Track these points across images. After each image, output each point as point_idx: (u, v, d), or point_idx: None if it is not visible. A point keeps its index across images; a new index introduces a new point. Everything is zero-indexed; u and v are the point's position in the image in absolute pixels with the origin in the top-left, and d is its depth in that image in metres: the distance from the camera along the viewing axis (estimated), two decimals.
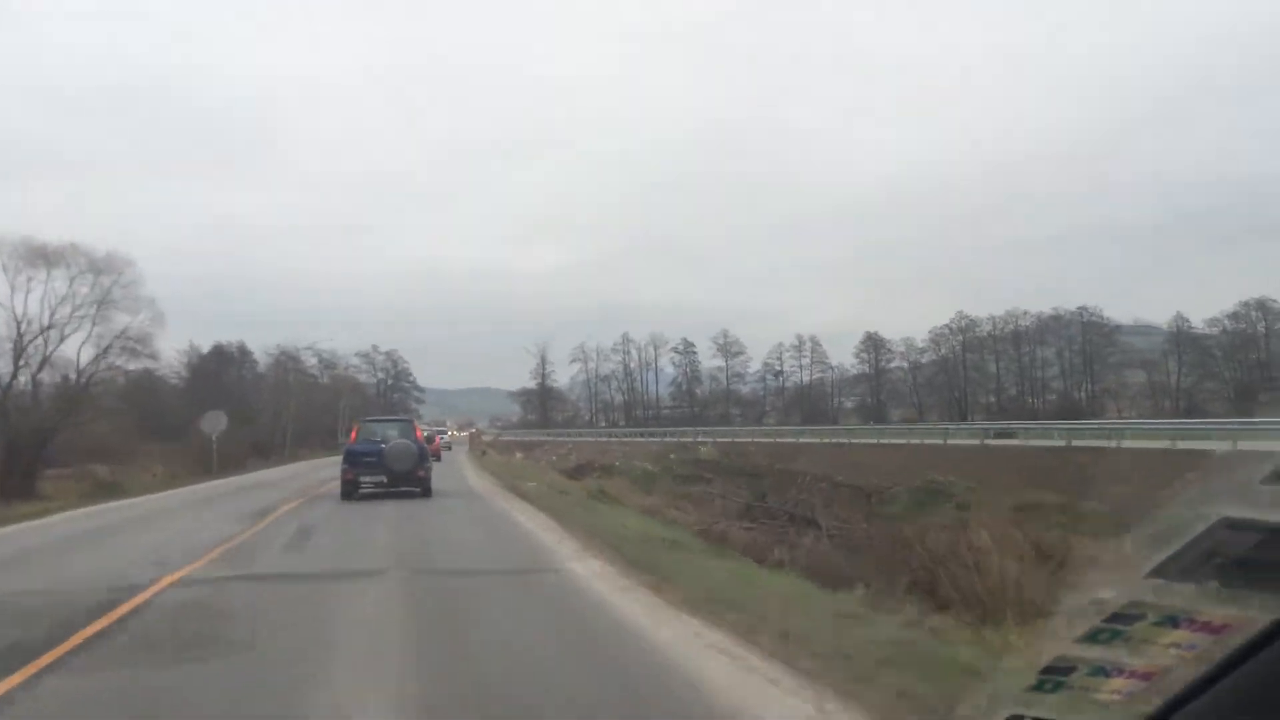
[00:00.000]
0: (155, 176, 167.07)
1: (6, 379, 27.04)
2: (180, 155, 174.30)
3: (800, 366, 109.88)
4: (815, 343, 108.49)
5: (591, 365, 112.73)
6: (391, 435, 22.10)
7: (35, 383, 27.36)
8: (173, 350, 58.97)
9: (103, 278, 28.70)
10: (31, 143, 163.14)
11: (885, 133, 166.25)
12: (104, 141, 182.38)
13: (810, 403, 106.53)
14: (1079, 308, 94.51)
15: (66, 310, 28.16)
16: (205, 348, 75.93)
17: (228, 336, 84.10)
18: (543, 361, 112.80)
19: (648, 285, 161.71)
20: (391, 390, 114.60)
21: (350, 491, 20.99)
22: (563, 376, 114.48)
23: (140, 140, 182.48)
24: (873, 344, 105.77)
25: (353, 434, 23.38)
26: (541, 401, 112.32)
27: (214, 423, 38.39)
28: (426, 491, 21.19)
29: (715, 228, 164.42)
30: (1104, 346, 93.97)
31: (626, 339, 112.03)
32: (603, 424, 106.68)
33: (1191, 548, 1.34)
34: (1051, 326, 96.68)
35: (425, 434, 26.52)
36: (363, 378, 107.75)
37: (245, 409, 58.96)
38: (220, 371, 76.69)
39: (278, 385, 62.17)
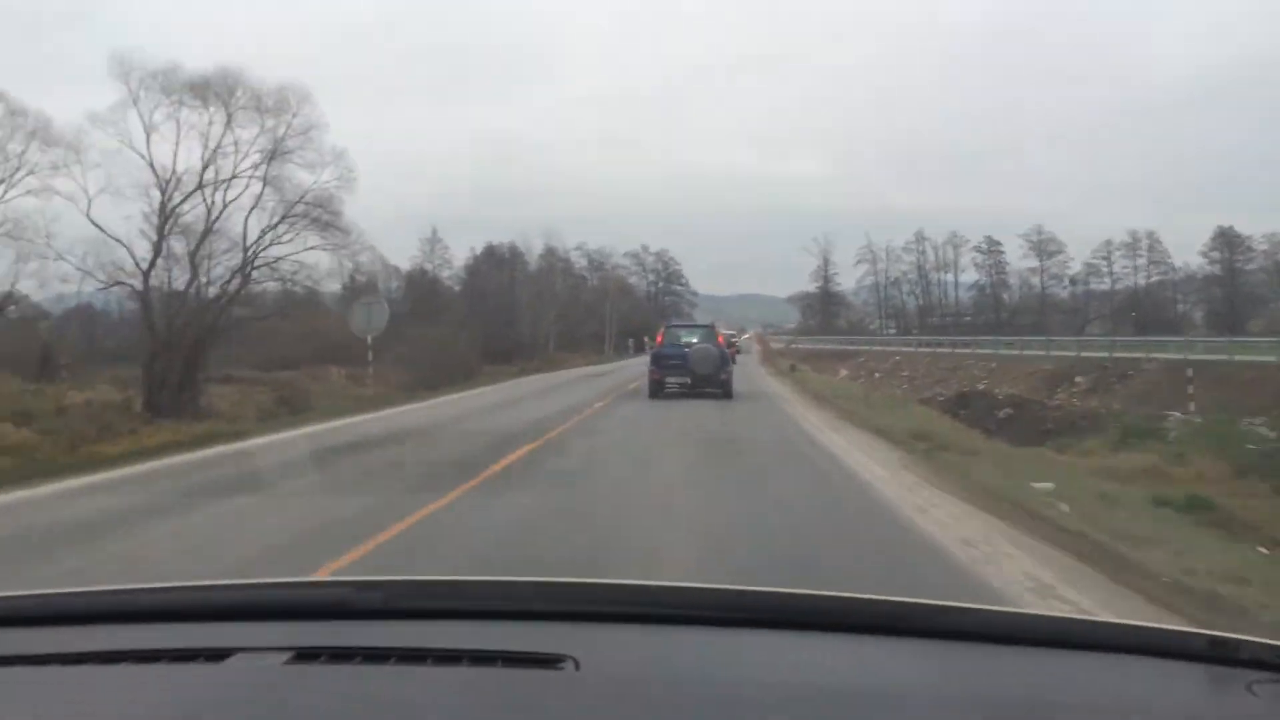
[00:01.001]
0: (437, 99, 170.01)
1: (151, 258, 20.11)
2: (461, 79, 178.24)
3: (1134, 268, 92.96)
4: (1154, 240, 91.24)
5: (880, 267, 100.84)
6: (695, 340, 23.33)
7: (194, 263, 20.35)
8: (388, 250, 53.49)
9: (269, 118, 21.10)
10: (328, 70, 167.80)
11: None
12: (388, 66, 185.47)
13: (1149, 310, 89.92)
14: None
15: (228, 165, 20.85)
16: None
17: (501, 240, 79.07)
18: (825, 263, 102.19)
19: (933, 192, 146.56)
20: (662, 294, 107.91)
21: (656, 391, 22.64)
22: (846, 280, 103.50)
23: (424, 65, 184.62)
24: (1225, 240, 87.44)
25: (658, 338, 24.94)
26: (823, 306, 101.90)
27: (368, 316, 24.08)
28: (728, 393, 22.30)
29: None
30: None
31: (920, 236, 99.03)
32: (891, 330, 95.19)
33: None
34: None
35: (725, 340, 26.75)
36: (632, 279, 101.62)
37: (508, 311, 53.30)
38: (492, 273, 72.47)
39: (541, 287, 55.50)
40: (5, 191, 26.80)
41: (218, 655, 1.47)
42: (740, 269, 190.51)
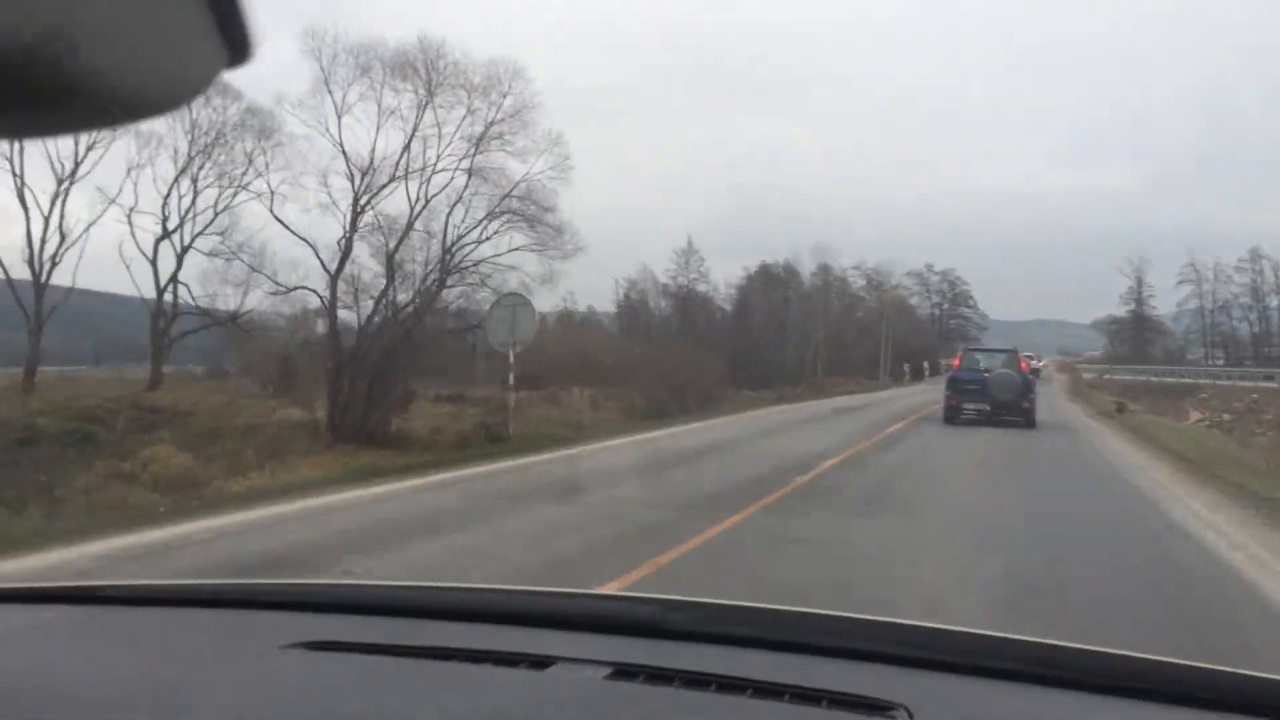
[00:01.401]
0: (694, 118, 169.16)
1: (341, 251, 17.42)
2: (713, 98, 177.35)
3: None
4: None
5: (1206, 288, 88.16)
6: (996, 364, 22.53)
7: (390, 265, 17.54)
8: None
9: (477, 98, 18.09)
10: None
11: None
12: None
13: None
14: None
15: (429, 153, 18.08)
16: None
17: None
18: (1139, 283, 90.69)
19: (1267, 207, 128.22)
20: (947, 316, 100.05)
21: (952, 416, 21.95)
22: (1162, 304, 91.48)
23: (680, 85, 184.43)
24: None
25: (955, 361, 24.93)
26: (1136, 332, 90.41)
27: (512, 323, 17.08)
28: (1030, 423, 21.19)
29: None
30: None
31: (1257, 254, 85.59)
32: (1219, 360, 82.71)
33: None
34: None
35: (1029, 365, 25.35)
36: (913, 300, 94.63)
37: (776, 332, 49.37)
38: (764, 292, 68.68)
39: (811, 306, 50.90)
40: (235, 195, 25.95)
41: (540, 663, 1.50)
42: (1034, 293, 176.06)
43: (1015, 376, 21.73)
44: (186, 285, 27.31)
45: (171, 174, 27.56)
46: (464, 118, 18.53)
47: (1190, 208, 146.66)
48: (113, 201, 27.27)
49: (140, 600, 1.92)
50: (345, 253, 17.77)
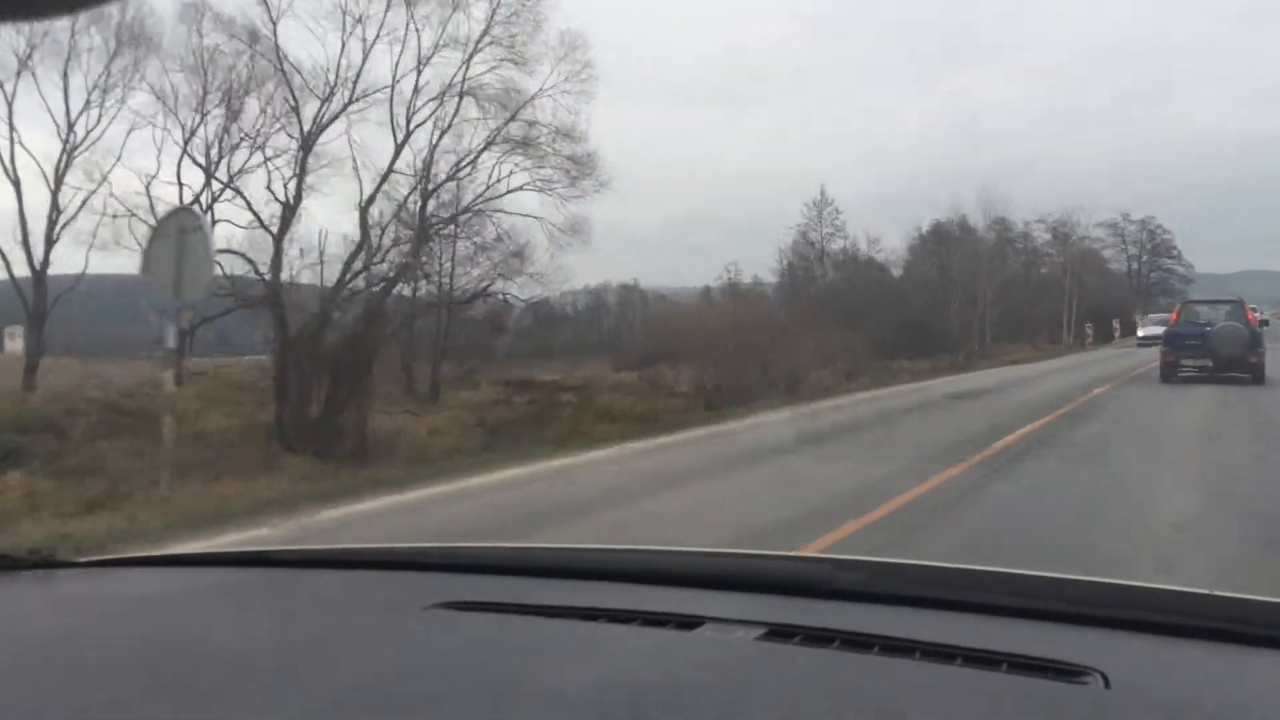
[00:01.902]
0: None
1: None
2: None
3: None
4: None
5: None
6: (1218, 317, 21.23)
7: (363, 219, 12.86)
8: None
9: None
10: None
11: None
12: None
13: None
14: None
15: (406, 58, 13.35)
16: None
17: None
18: None
19: None
20: (1147, 269, 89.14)
21: (1169, 374, 20.82)
22: None
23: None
24: None
25: (1173, 315, 23.27)
26: None
27: (177, 259, 9.46)
28: (1259, 379, 19.82)
29: None
30: None
31: None
32: None
33: None
34: None
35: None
36: (1107, 254, 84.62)
37: (941, 292, 43.00)
38: (939, 251, 61.37)
39: (980, 264, 43.60)
40: None
41: (689, 623, 1.44)
42: (1244, 241, 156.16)
43: (1241, 329, 20.36)
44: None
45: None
46: (450, 15, 13.72)
47: None
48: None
49: (302, 563, 2.01)
50: (292, 202, 13.35)
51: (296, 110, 13.47)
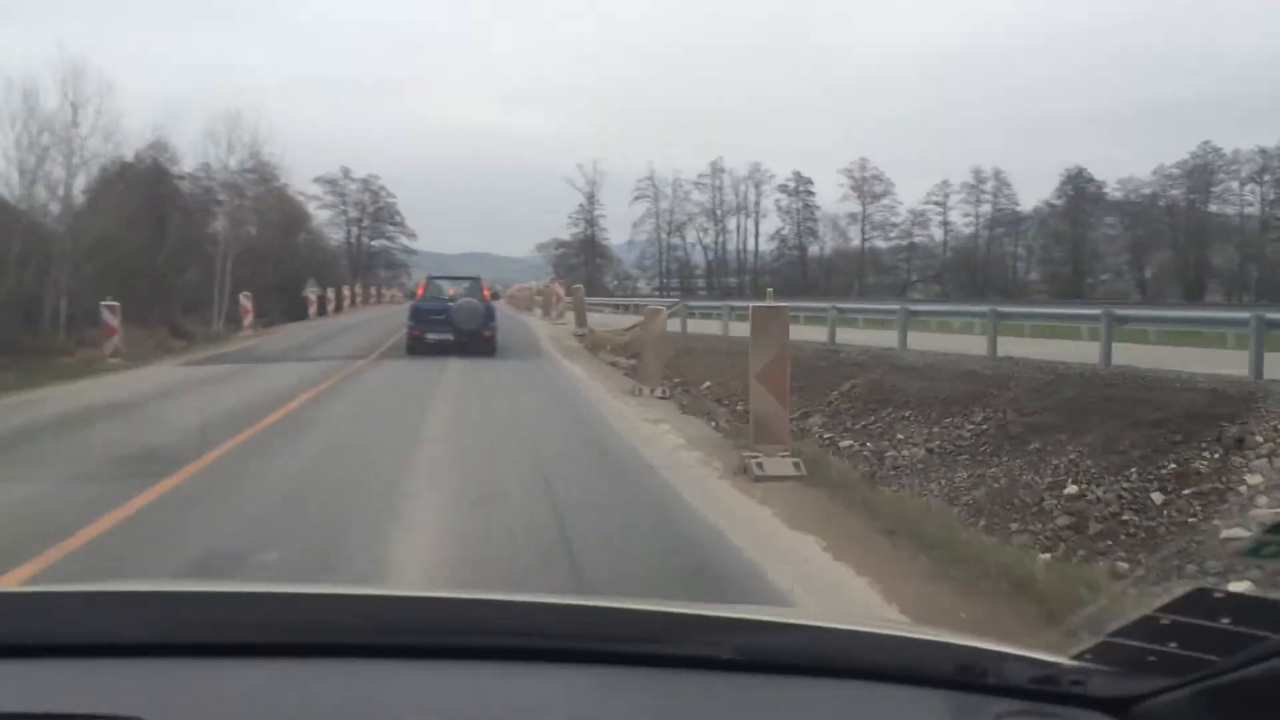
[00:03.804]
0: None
1: None
2: None
3: (975, 217, 73.80)
4: (1001, 180, 72.38)
5: (665, 206, 77.16)
6: (460, 293, 21.90)
7: None
8: None
9: None
10: None
11: None
12: None
13: (984, 268, 71.27)
14: None
15: None
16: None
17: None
18: (590, 199, 77.45)
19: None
20: (368, 234, 79.29)
21: (415, 347, 21.21)
22: (614, 232, 79.78)
23: None
24: (1074, 186, 70.00)
25: (419, 290, 23.50)
26: (588, 256, 77.23)
27: None
28: (491, 351, 20.98)
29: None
30: None
31: (718, 168, 76.11)
32: (677, 291, 72.12)
33: None
34: None
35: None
36: (325, 215, 72.93)
37: None
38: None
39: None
40: None
41: None
42: (471, 227, 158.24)
43: (478, 305, 21.27)
44: None
45: None
46: None
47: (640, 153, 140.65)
48: None
49: None
50: None
51: None
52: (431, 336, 20.95)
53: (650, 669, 1.29)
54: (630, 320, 25.78)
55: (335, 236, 75.81)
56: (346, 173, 76.55)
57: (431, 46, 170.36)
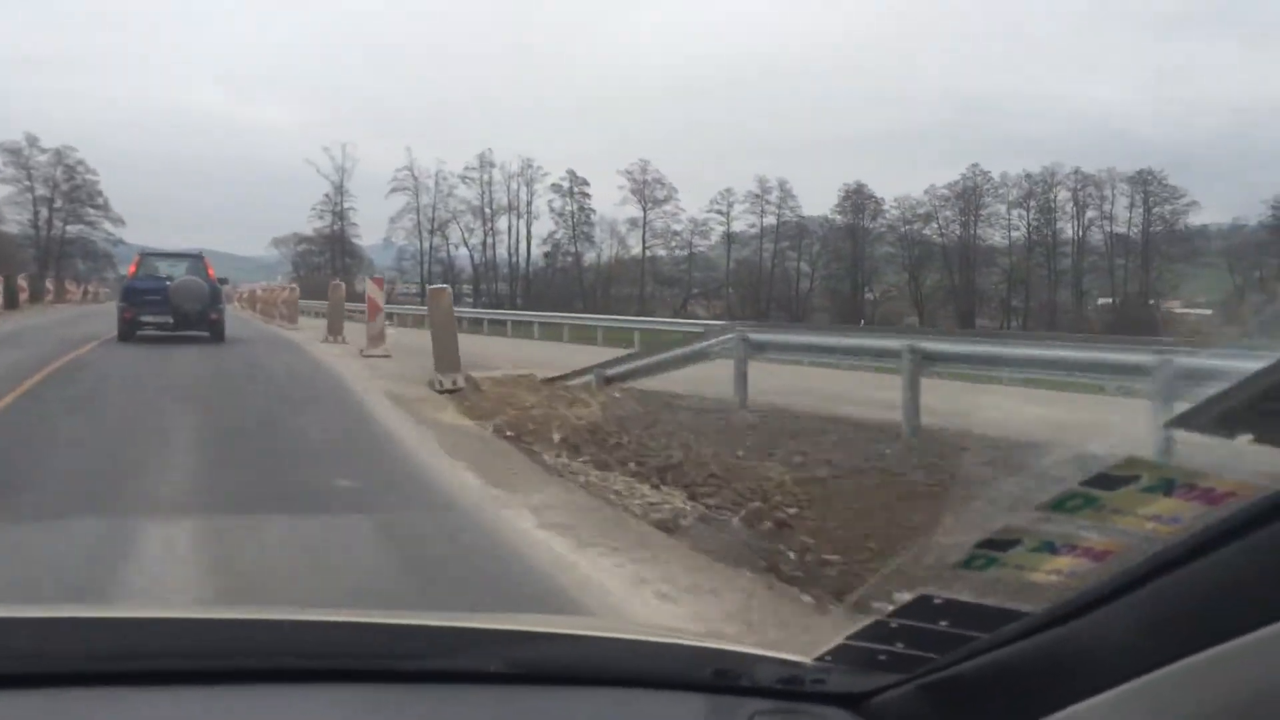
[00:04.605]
0: None
1: None
2: None
3: (760, 228, 69.79)
4: (785, 191, 68.88)
5: (426, 201, 68.52)
6: (179, 271, 19.53)
7: None
8: None
9: None
10: None
11: None
12: None
13: (769, 283, 67.57)
14: None
15: None
16: None
17: None
18: (339, 190, 67.76)
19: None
20: (60, 216, 65.60)
21: (129, 333, 18.94)
22: (367, 233, 70.86)
23: None
24: (853, 202, 67.87)
25: (132, 267, 20.63)
26: (339, 250, 67.38)
27: None
28: (219, 336, 19.20)
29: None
30: None
31: (486, 161, 68.27)
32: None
33: (1245, 388, 0.95)
34: None
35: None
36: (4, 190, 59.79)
37: None
38: None
39: None
40: None
41: None
42: (199, 223, 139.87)
43: (202, 284, 19.03)
44: None
45: None
46: None
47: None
48: None
49: None
50: None
51: None
52: (147, 319, 19.04)
53: (420, 685, 1.27)
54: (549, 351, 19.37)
55: (18, 219, 62.38)
56: (33, 141, 62.87)
57: (143, 20, 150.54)
